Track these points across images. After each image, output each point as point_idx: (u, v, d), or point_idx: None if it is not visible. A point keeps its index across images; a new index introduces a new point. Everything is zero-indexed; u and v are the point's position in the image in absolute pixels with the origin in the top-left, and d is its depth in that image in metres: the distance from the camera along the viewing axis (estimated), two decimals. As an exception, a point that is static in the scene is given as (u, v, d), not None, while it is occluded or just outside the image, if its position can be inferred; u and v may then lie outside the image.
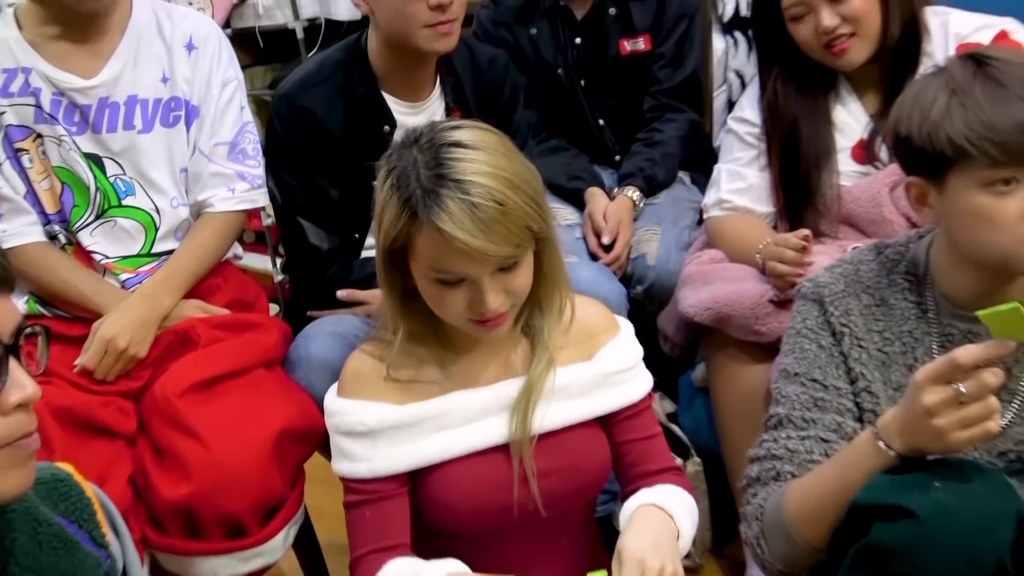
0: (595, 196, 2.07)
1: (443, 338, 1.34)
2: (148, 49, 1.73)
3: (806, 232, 1.63)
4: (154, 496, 1.48)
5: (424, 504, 1.33)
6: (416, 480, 1.33)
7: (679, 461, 1.80)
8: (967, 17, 1.76)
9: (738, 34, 2.58)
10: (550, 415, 1.33)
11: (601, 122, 2.23)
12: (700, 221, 2.05)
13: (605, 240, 1.96)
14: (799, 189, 1.77)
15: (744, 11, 2.57)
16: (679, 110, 2.19)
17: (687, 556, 1.92)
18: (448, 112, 1.83)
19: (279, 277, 3.29)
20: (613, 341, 1.40)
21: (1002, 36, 1.72)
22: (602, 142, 2.24)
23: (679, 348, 1.92)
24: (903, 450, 1.17)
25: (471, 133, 1.23)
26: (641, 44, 2.18)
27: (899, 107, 1.26)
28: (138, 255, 1.75)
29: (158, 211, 1.75)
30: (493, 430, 1.33)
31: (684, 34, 2.18)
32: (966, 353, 1.07)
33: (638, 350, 1.43)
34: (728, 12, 2.58)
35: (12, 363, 0.88)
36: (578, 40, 2.18)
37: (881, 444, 1.16)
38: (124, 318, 1.61)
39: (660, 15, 2.16)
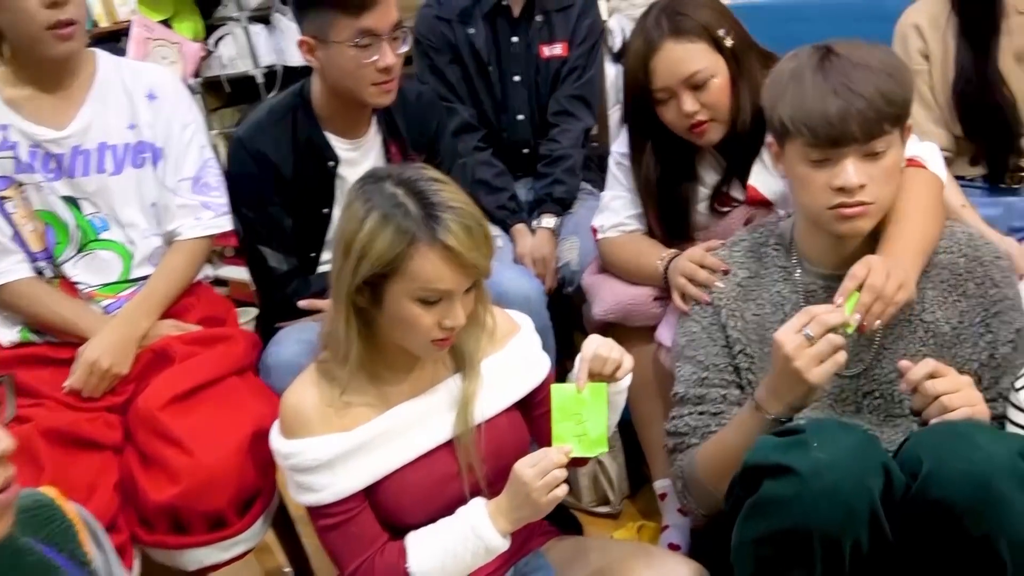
0: (520, 235, 2.02)
1: (377, 365, 1.24)
2: (114, 101, 1.59)
3: (725, 266, 1.41)
4: (142, 499, 1.36)
5: (383, 509, 1.23)
6: (371, 490, 1.22)
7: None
8: None
9: (626, 61, 2.51)
10: (481, 408, 1.26)
11: (520, 116, 2.13)
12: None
13: None
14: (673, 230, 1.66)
15: (631, 42, 2.50)
16: (576, 117, 2.12)
17: (608, 504, 1.87)
18: (385, 145, 1.72)
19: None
20: (516, 336, 1.33)
21: None
22: (516, 135, 2.15)
23: (596, 330, 1.84)
24: (778, 411, 1.15)
25: (433, 172, 1.19)
26: (558, 50, 2.10)
27: (766, 80, 1.24)
28: (117, 282, 1.60)
29: (132, 242, 1.61)
30: (436, 432, 1.24)
31: (590, 49, 2.11)
32: (818, 307, 1.11)
33: (538, 340, 1.37)
34: (617, 43, 2.52)
35: None
36: (514, 39, 2.09)
37: (760, 411, 1.15)
38: (106, 340, 1.48)
39: (576, 28, 2.08)
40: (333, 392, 1.21)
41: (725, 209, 1.64)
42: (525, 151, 2.16)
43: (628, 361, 1.21)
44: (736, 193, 1.63)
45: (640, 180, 1.65)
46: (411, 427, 1.23)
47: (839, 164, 1.15)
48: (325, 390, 1.22)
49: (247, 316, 3.14)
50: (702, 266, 1.42)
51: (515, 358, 1.31)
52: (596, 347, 1.20)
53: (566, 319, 2.04)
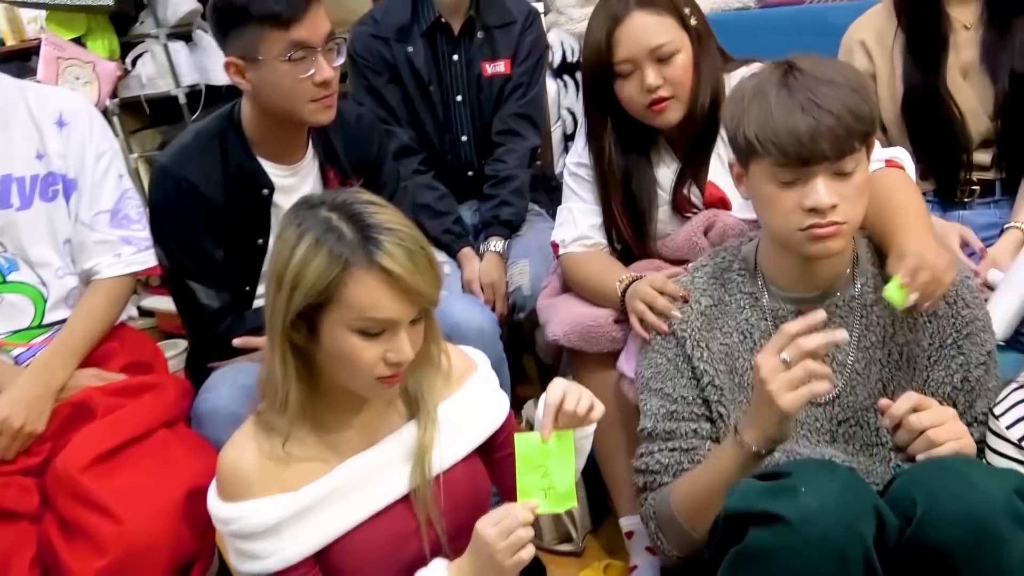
0: (467, 260, 1.93)
1: (322, 411, 1.13)
2: (19, 128, 1.44)
3: (684, 293, 1.34)
4: (65, 574, 1.21)
5: (336, 573, 1.11)
6: (322, 554, 1.11)
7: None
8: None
9: (567, 77, 2.47)
10: (439, 458, 1.16)
11: (464, 138, 2.05)
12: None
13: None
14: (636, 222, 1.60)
15: (571, 57, 2.45)
16: (521, 136, 2.04)
17: (570, 541, 1.78)
18: (323, 170, 1.60)
19: (186, 316, 2.97)
20: (473, 376, 1.25)
21: None
22: (459, 157, 2.06)
23: (550, 356, 1.80)
24: (756, 441, 1.08)
25: (370, 196, 1.10)
26: (502, 67, 2.02)
27: (726, 100, 1.20)
28: (29, 328, 1.45)
29: (44, 283, 1.46)
30: (391, 487, 1.14)
31: (534, 65, 2.04)
32: (791, 324, 1.05)
33: (495, 379, 1.28)
34: (556, 59, 2.45)
35: None
36: (455, 57, 2.00)
37: (740, 440, 1.10)
38: (17, 396, 1.33)
39: (519, 44, 2.02)
40: (274, 446, 1.10)
41: (686, 215, 1.60)
42: (469, 173, 2.07)
43: (599, 408, 1.13)
44: (695, 198, 1.58)
45: (602, 164, 1.58)
46: (364, 483, 1.13)
47: (809, 184, 1.10)
48: (265, 445, 1.10)
49: (177, 349, 2.97)
50: (662, 293, 1.35)
51: (473, 400, 1.22)
52: (562, 394, 1.11)
53: (516, 343, 1.96)
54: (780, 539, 0.94)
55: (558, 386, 1.12)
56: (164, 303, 3.08)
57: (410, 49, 1.98)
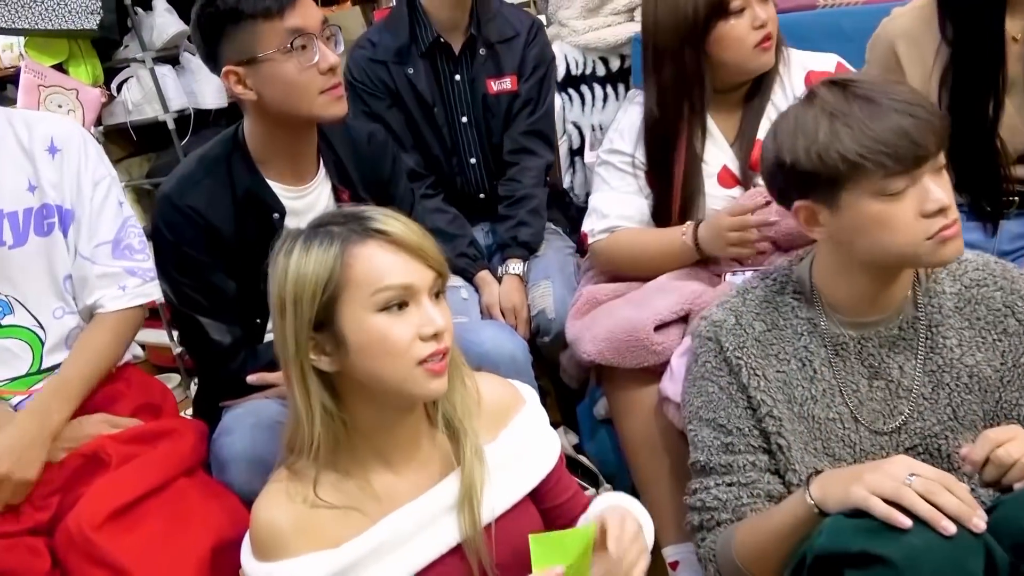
0: (486, 284, 1.86)
1: (359, 453, 1.05)
2: (8, 159, 1.34)
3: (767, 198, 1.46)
4: (80, 644, 1.10)
5: None
6: None
7: (591, 491, 1.57)
8: (804, 52, 1.64)
9: (571, 91, 2.40)
10: (490, 503, 1.07)
11: (472, 160, 1.97)
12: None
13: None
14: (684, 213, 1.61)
15: (575, 70, 2.39)
16: (534, 154, 1.96)
17: None
18: (335, 191, 1.51)
19: (178, 349, 2.85)
20: (522, 411, 1.16)
21: (840, 66, 1.64)
22: (469, 181, 1.99)
23: (576, 380, 1.72)
24: (820, 501, 1.02)
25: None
26: (508, 84, 1.95)
27: (778, 137, 1.10)
28: (27, 375, 1.35)
29: (41, 326, 1.36)
30: (440, 537, 1.05)
31: (542, 79, 1.97)
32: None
33: (544, 416, 1.20)
34: (561, 72, 2.39)
35: None
36: (457, 77, 1.92)
37: (807, 494, 1.03)
38: (5, 442, 1.20)
39: (524, 58, 1.95)
40: (308, 493, 1.01)
41: (733, 191, 1.58)
42: (480, 196, 1.99)
43: (645, 538, 1.04)
44: (737, 173, 1.60)
45: (675, 134, 1.58)
46: (410, 535, 1.03)
47: (919, 187, 1.03)
48: (298, 496, 1.01)
49: (170, 384, 2.84)
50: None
51: (521, 438, 1.13)
52: (608, 520, 1.00)
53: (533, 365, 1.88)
54: (883, 583, 0.86)
55: (604, 507, 1.05)
56: (154, 336, 2.95)
57: (410, 71, 1.90)
